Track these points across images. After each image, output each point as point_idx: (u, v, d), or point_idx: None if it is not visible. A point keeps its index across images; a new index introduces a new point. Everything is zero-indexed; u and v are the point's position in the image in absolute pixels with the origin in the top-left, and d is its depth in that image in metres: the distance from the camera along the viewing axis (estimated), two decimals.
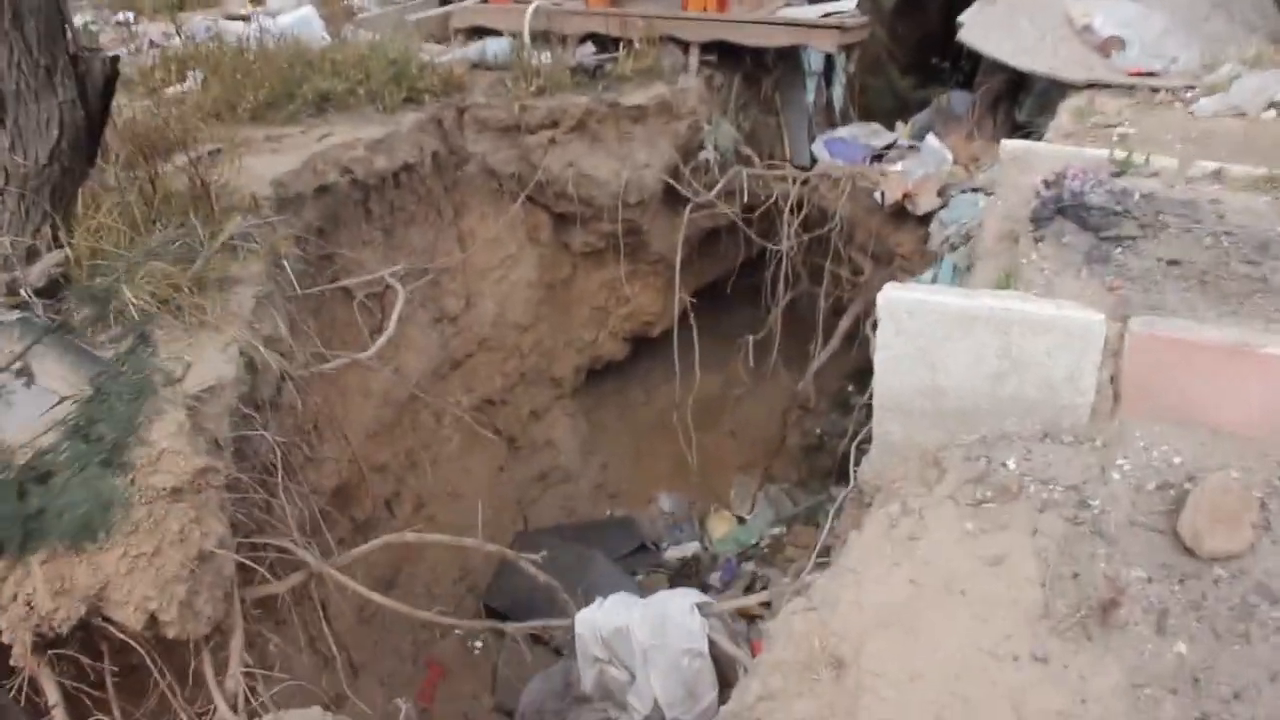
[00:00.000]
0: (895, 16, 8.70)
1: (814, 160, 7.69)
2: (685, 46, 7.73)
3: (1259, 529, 2.84)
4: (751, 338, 7.94)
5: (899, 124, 7.72)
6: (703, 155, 7.62)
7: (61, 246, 4.08)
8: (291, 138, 6.01)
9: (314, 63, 6.71)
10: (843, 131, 7.76)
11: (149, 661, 3.30)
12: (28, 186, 4.06)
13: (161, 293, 3.99)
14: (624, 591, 5.17)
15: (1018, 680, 2.58)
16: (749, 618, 5.86)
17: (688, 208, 7.59)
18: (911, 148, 7.28)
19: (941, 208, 6.29)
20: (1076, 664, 2.60)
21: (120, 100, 5.19)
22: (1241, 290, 3.51)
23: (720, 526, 8.43)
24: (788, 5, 7.73)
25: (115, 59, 4.32)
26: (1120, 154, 4.46)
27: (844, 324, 7.70)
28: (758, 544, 8.15)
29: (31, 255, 4.08)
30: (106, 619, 3.19)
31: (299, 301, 5.03)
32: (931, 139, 6.97)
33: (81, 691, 3.31)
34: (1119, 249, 3.80)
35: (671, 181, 7.55)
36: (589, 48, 7.74)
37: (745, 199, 7.67)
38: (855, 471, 4.24)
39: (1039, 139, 5.42)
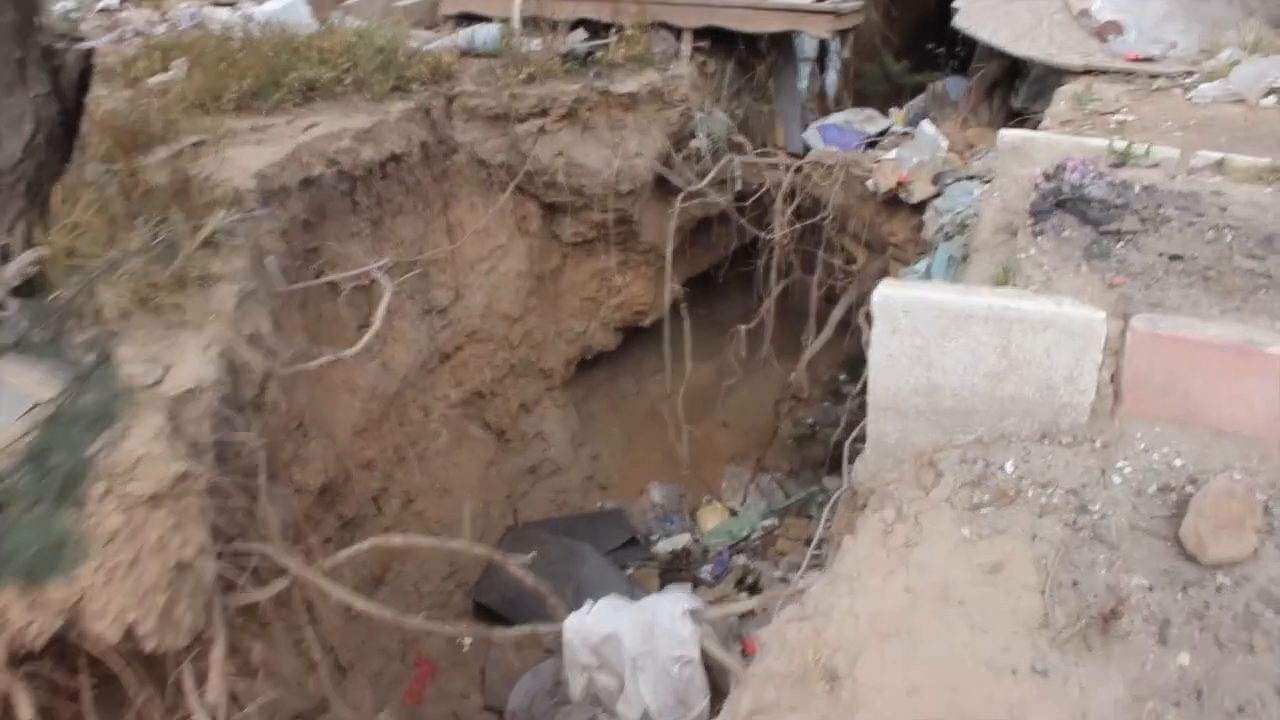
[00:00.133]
0: (890, 1, 8.61)
1: (807, 147, 7.60)
2: (678, 32, 7.64)
3: (1263, 534, 2.77)
4: (744, 327, 7.86)
5: (893, 110, 7.64)
6: (694, 143, 7.54)
7: (37, 245, 3.98)
8: (277, 128, 5.90)
9: (300, 50, 6.57)
10: (836, 118, 7.67)
11: (126, 676, 3.21)
12: (1, 183, 3.96)
13: (140, 292, 3.90)
14: (614, 592, 5.11)
15: (1017, 694, 2.50)
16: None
17: (679, 196, 7.50)
18: (906, 134, 7.20)
19: (936, 196, 6.21)
20: (1077, 676, 2.53)
21: (101, 91, 5.07)
22: (1245, 286, 3.43)
23: (711, 518, 8.37)
24: None
25: (91, 51, 4.20)
26: (1120, 144, 4.37)
27: (837, 313, 7.64)
28: (749, 536, 8.10)
29: (5, 254, 3.97)
30: (82, 634, 3.11)
31: (284, 297, 4.93)
32: (926, 125, 6.87)
33: (57, 706, 3.23)
34: (1120, 243, 3.72)
35: (663, 170, 7.46)
36: (580, 34, 7.62)
37: (738, 187, 7.59)
38: (848, 471, 4.17)
39: (1035, 126, 5.33)
